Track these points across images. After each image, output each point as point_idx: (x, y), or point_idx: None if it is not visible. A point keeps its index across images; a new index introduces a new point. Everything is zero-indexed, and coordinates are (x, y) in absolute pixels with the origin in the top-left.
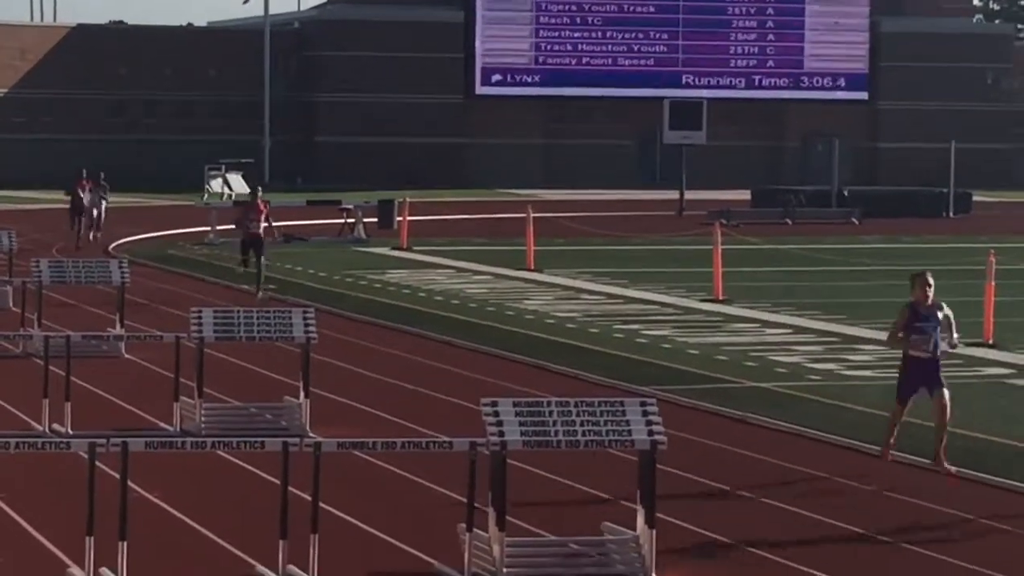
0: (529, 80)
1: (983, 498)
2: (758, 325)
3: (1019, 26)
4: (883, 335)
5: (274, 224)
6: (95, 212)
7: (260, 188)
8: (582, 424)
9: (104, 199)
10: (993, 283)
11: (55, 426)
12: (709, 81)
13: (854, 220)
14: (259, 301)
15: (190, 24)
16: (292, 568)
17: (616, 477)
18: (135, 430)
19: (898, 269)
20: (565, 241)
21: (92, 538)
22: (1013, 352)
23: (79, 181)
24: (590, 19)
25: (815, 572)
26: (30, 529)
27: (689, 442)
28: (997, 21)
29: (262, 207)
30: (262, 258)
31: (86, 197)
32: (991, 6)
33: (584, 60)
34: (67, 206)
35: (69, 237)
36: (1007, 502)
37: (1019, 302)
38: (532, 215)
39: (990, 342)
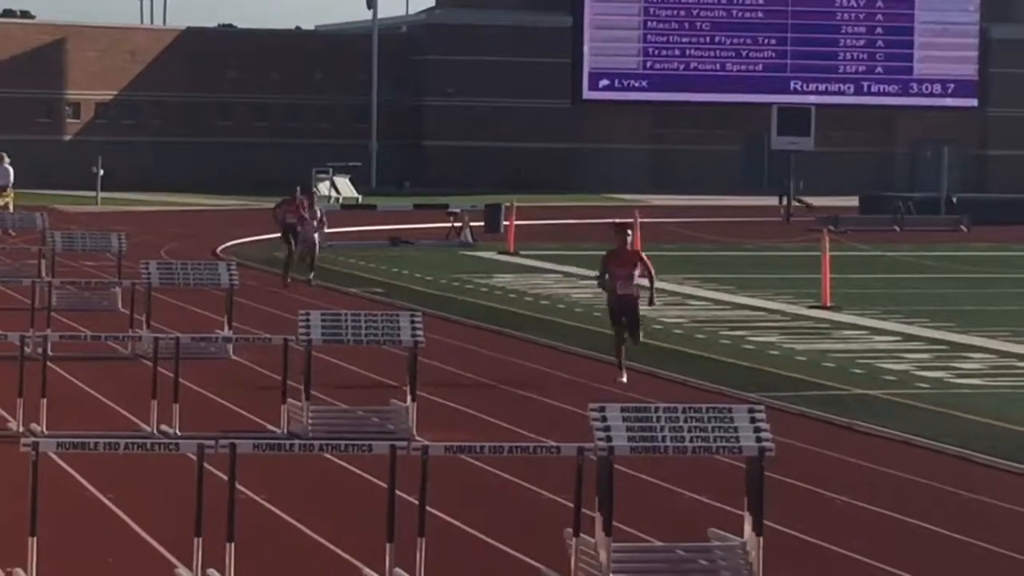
0: (636, 85)
1: None
2: (866, 332)
3: None
4: (994, 343)
5: (323, 222)
6: (314, 239)
7: (301, 188)
8: (690, 431)
9: (323, 223)
10: None
11: (163, 427)
12: (817, 87)
13: (963, 227)
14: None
15: (298, 28)
16: (399, 571)
17: (724, 484)
18: (243, 432)
19: (1007, 277)
20: (672, 246)
21: (200, 539)
22: None
23: (293, 202)
24: (698, 24)
25: None
26: (139, 530)
27: (796, 449)
28: None
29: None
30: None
31: (303, 221)
32: None
33: (692, 65)
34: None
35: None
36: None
37: None
38: (639, 220)
39: None
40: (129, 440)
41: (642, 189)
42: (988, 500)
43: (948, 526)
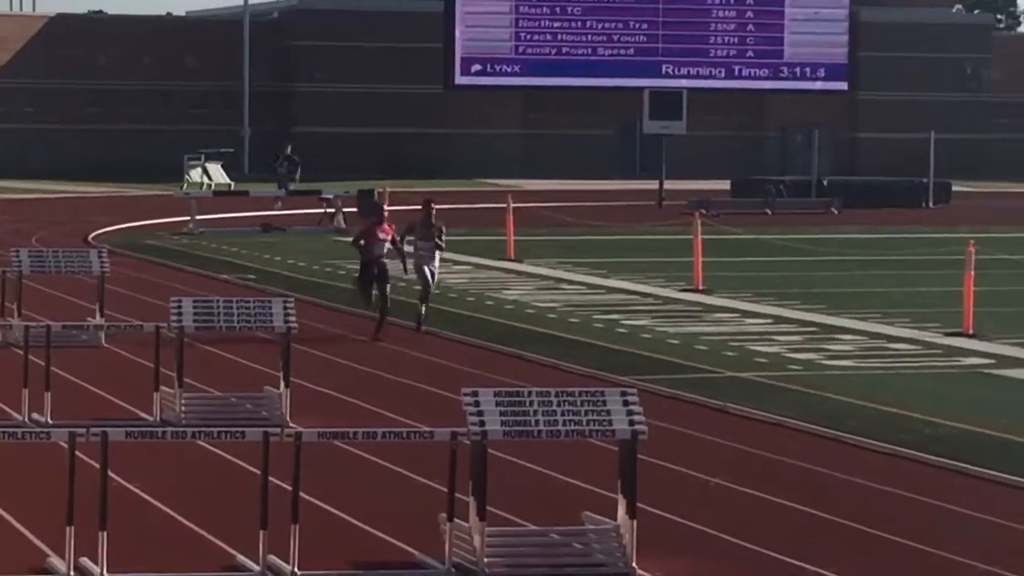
0: (508, 70)
1: (962, 489)
2: (738, 315)
3: (998, 16)
4: (864, 325)
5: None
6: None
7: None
8: (563, 414)
9: (440, 245)
10: (972, 273)
11: (35, 416)
12: (689, 71)
13: (834, 210)
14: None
15: (169, 14)
16: (273, 558)
17: (598, 467)
18: (115, 420)
19: (877, 259)
20: (545, 231)
21: (72, 528)
22: (993, 342)
23: (374, 224)
24: (570, 9)
25: (794, 561)
26: (10, 519)
27: (669, 432)
28: (976, 11)
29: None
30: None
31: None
32: None
33: (564, 50)
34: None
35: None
36: (980, 490)
37: (998, 292)
38: (512, 205)
39: (970, 332)
40: (0, 429)
41: (515, 174)
42: (859, 480)
43: (819, 506)
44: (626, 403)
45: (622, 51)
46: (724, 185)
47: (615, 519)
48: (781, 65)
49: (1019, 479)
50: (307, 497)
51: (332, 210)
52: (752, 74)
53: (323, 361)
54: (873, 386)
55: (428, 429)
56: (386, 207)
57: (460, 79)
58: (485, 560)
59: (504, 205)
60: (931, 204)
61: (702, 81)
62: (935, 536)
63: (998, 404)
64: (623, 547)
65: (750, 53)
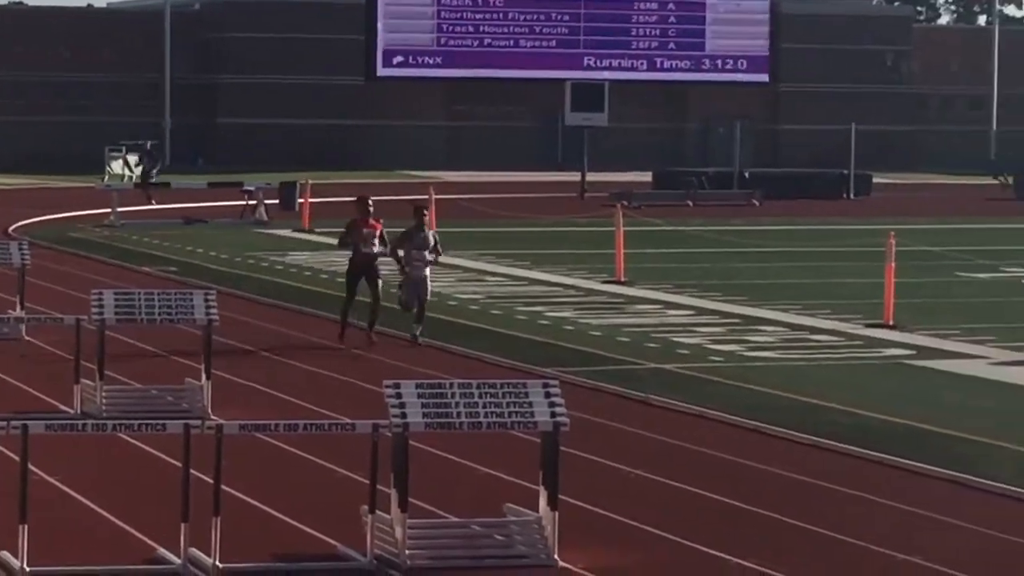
0: (431, 62)
1: (881, 479)
2: (660, 306)
3: (919, 8)
4: (786, 316)
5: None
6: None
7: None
8: (485, 406)
9: (438, 250)
10: (893, 264)
11: None
12: (611, 63)
13: (755, 201)
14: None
15: (90, 5)
16: (194, 551)
17: (520, 459)
18: (35, 413)
19: (798, 251)
20: (468, 223)
21: None
22: (913, 333)
23: (358, 221)
24: (492, 1)
25: (715, 552)
26: None
27: (591, 424)
28: (896, 3)
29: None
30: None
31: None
32: None
33: (486, 42)
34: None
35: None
36: (898, 480)
37: (919, 283)
38: (434, 197)
39: (891, 323)
40: None
41: (437, 165)
42: (779, 471)
43: (740, 497)
44: (548, 395)
45: (544, 43)
46: (646, 177)
47: (537, 510)
48: (703, 57)
49: (937, 469)
50: (229, 490)
51: (254, 202)
52: (674, 66)
53: (245, 353)
54: (794, 377)
55: (349, 421)
56: (308, 199)
57: (382, 71)
58: (407, 552)
59: (426, 197)
60: (852, 196)
61: (624, 73)
62: (854, 526)
63: (918, 395)
64: (545, 538)
65: (672, 45)
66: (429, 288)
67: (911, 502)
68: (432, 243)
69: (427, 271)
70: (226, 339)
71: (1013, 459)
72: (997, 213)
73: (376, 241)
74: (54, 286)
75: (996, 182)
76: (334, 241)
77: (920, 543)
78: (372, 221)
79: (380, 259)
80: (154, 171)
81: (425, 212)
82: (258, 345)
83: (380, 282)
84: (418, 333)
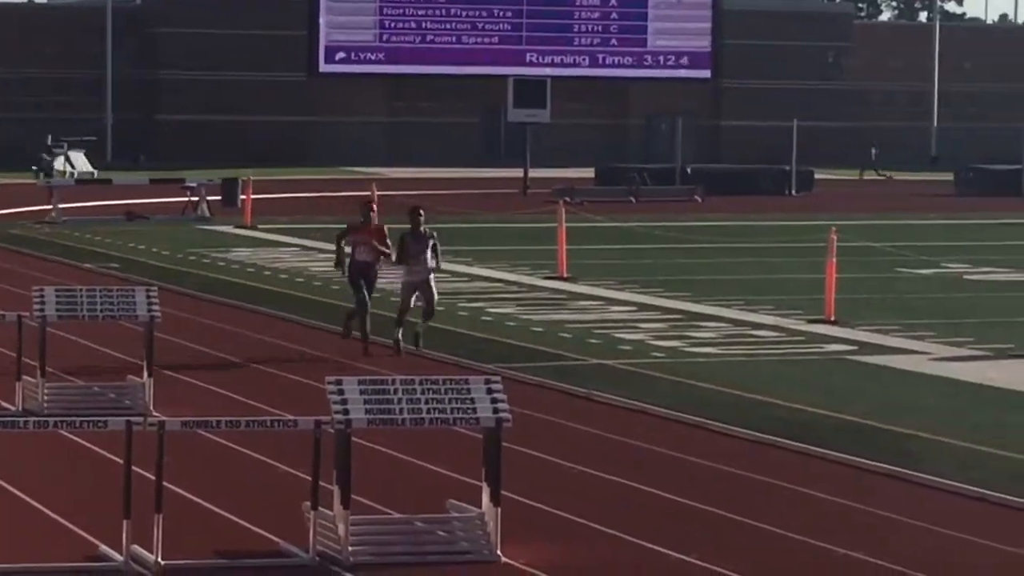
0: (373, 58)
1: (824, 474)
2: (602, 303)
3: (859, 5)
4: (728, 312)
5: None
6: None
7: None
8: (427, 402)
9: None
10: (834, 260)
11: None
12: (553, 59)
13: (697, 198)
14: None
15: (31, 1)
16: (136, 548)
17: (462, 455)
18: None
19: (741, 247)
20: (410, 219)
21: None
22: (854, 329)
23: (358, 229)
24: None
25: (659, 548)
26: None
27: (534, 420)
28: (838, 0)
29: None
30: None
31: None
32: None
33: (428, 38)
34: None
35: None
36: (841, 476)
37: (860, 279)
38: (376, 193)
39: (832, 319)
40: None
41: (379, 162)
42: (722, 466)
43: (682, 493)
44: (490, 391)
45: (486, 39)
46: (588, 173)
47: (480, 507)
48: (645, 53)
49: (880, 464)
50: (171, 487)
51: (196, 199)
52: (616, 62)
53: (187, 350)
54: (736, 373)
55: (292, 418)
56: (250, 196)
57: (324, 67)
58: (349, 548)
59: (369, 193)
60: (794, 192)
61: (566, 69)
62: (797, 521)
63: (859, 390)
64: (487, 534)
65: (614, 41)
66: (435, 291)
67: (854, 498)
68: (431, 243)
69: (430, 274)
70: (170, 336)
71: (955, 454)
72: (938, 209)
73: (372, 250)
74: None
75: (877, 176)
76: (276, 237)
77: (863, 539)
78: (373, 227)
79: (377, 266)
80: (52, 169)
81: (421, 213)
82: (200, 342)
83: (371, 290)
84: (420, 332)
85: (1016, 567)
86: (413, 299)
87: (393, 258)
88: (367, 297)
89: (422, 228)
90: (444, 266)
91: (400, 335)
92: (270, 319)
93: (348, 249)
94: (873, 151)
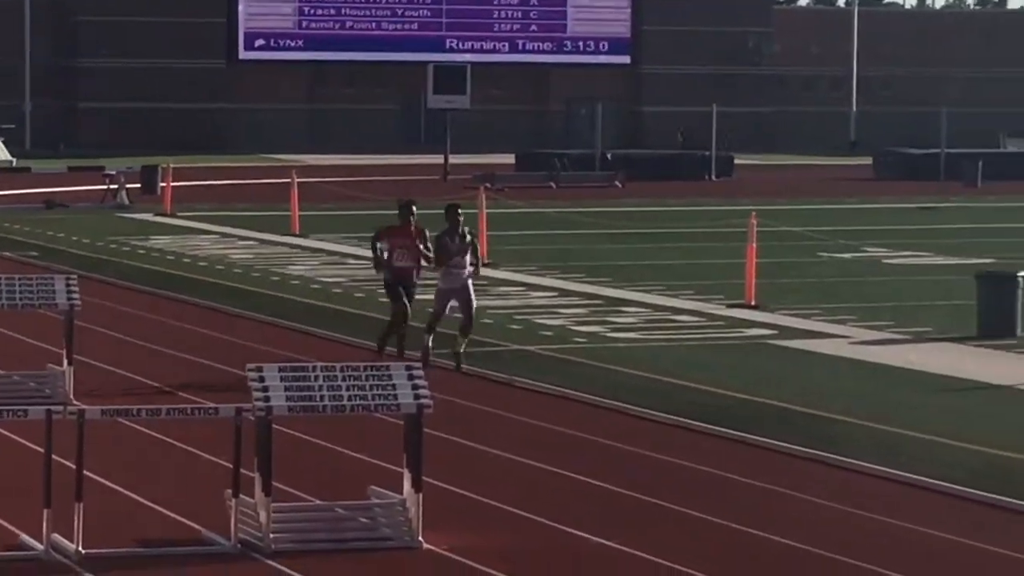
0: (292, 45)
1: (744, 458)
2: (523, 288)
3: None
4: (648, 297)
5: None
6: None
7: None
8: (348, 389)
9: (477, 254)
10: (755, 245)
11: None
12: (473, 45)
13: (618, 183)
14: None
15: None
16: (57, 537)
17: (384, 441)
18: None
19: (661, 232)
20: (330, 206)
21: None
22: (774, 313)
23: (396, 230)
24: None
25: (580, 533)
26: None
27: (455, 406)
28: None
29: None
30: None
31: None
32: None
33: (348, 24)
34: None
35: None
36: (761, 459)
37: (780, 264)
38: (297, 180)
39: (752, 304)
40: None
41: (300, 149)
42: (643, 451)
43: (603, 477)
44: (411, 377)
45: (406, 25)
46: (509, 159)
47: (401, 493)
48: (565, 39)
49: (800, 448)
50: (92, 476)
51: (115, 186)
52: (536, 48)
53: (108, 338)
54: (657, 358)
55: (213, 406)
56: (170, 183)
57: (244, 54)
58: (271, 536)
59: (289, 180)
60: (714, 177)
61: (486, 55)
62: (718, 506)
63: (780, 374)
64: (409, 521)
65: (534, 27)
66: (474, 298)
67: (774, 481)
68: (469, 246)
69: (468, 279)
70: (90, 324)
71: (876, 438)
72: (858, 193)
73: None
74: None
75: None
76: (196, 224)
77: (783, 522)
78: (413, 229)
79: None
80: None
81: (460, 212)
82: (120, 330)
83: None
84: (461, 349)
85: (938, 549)
86: (449, 308)
87: (433, 262)
88: (408, 307)
89: (461, 228)
90: (365, 253)
91: (431, 342)
92: (189, 307)
93: (384, 255)
94: (680, 136)
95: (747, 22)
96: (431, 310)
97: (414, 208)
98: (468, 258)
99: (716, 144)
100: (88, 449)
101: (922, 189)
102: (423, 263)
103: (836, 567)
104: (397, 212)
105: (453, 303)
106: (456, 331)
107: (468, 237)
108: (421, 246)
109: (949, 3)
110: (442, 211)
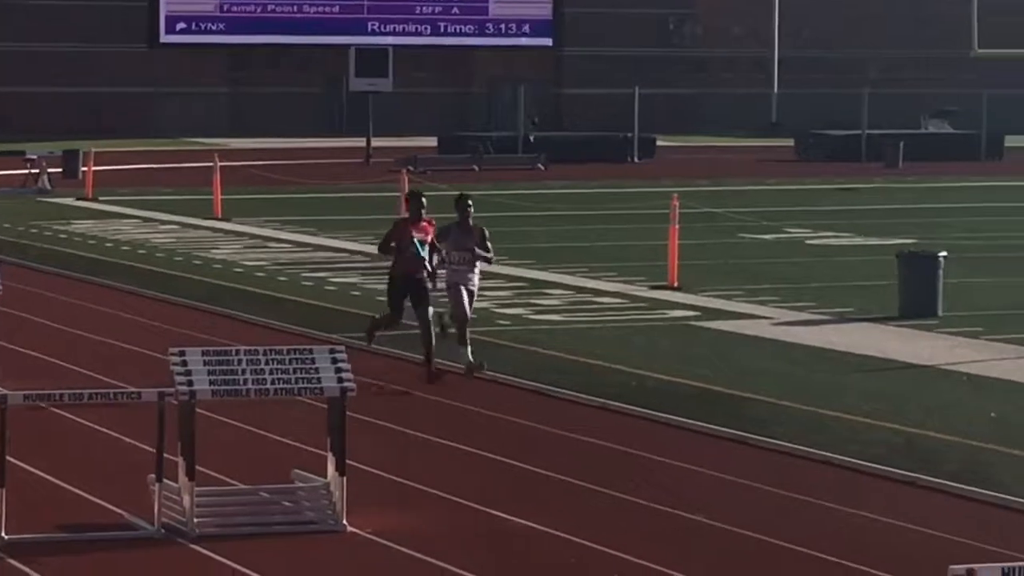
0: (214, 28)
1: (667, 439)
2: None
3: None
4: (572, 279)
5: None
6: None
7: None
8: (271, 372)
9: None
10: (677, 226)
11: None
12: (395, 28)
13: (540, 166)
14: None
15: None
16: None
17: (308, 425)
18: None
19: (584, 214)
20: (252, 189)
21: None
22: (697, 294)
23: (407, 223)
24: None
25: (502, 514)
26: None
27: (380, 389)
28: None
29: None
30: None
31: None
32: None
33: (269, 7)
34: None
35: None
36: (685, 440)
37: (702, 245)
38: (219, 164)
39: (675, 285)
40: None
41: (222, 132)
42: (567, 433)
43: (529, 460)
44: (335, 360)
45: (328, 8)
46: (431, 142)
47: (325, 476)
48: (487, 21)
49: (724, 429)
50: (15, 461)
51: (36, 171)
52: (458, 30)
53: (29, 323)
54: (581, 340)
55: (136, 390)
56: (91, 167)
57: (165, 37)
58: (195, 520)
59: (211, 164)
60: (636, 159)
61: (408, 38)
62: (644, 487)
63: (703, 356)
64: (333, 504)
65: (455, 10)
66: (474, 297)
67: (698, 462)
68: (481, 239)
69: (475, 278)
70: (10, 309)
71: (798, 418)
72: (780, 175)
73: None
74: None
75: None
76: (118, 209)
77: (710, 503)
78: (424, 224)
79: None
80: None
81: (470, 202)
82: (42, 315)
83: (431, 308)
84: (471, 358)
85: (859, 528)
86: (466, 300)
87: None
88: (401, 317)
89: (471, 220)
90: (289, 236)
91: (471, 355)
92: (112, 291)
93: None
94: (533, 120)
95: (669, 4)
96: (446, 313)
97: (423, 200)
98: (477, 252)
99: (638, 125)
100: (10, 434)
101: (844, 170)
102: (435, 259)
103: (757, 545)
104: (406, 204)
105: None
106: (455, 342)
107: (483, 234)
108: (435, 242)
109: None
110: (364, 195)
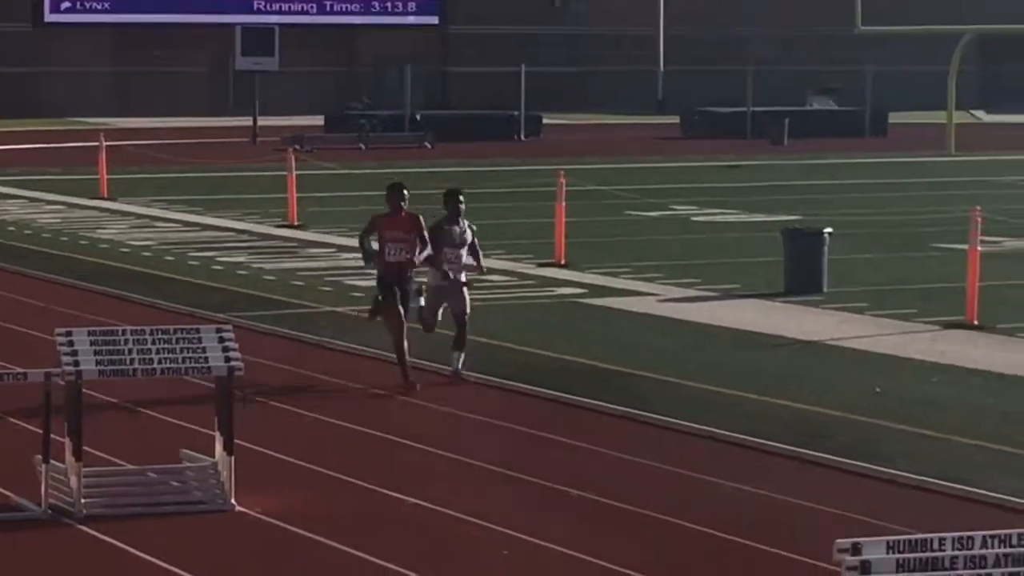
0: (99, 7)
1: (557, 417)
2: (333, 250)
3: None
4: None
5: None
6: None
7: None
8: (158, 352)
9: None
10: (563, 204)
11: None
12: (281, 7)
13: (427, 144)
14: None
15: None
16: None
17: (195, 404)
18: None
19: (470, 192)
20: (139, 169)
21: None
22: (584, 272)
23: (386, 217)
24: None
25: (392, 493)
26: None
27: (268, 368)
28: None
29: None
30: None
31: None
32: None
33: None
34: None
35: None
36: (574, 418)
37: (588, 222)
38: (105, 143)
39: (562, 262)
40: None
41: (107, 112)
42: (455, 411)
43: (418, 439)
44: (222, 339)
45: None
46: (318, 121)
47: (214, 456)
48: (372, 0)
49: (611, 406)
50: None
51: None
52: (344, 9)
53: None
54: (470, 318)
55: (21, 370)
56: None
57: (50, 16)
58: (82, 501)
59: (97, 144)
60: (522, 137)
61: (294, 17)
62: (529, 464)
63: (590, 333)
64: (221, 483)
65: None
66: (468, 301)
67: (586, 440)
68: (470, 239)
69: (463, 277)
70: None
71: (684, 395)
72: (665, 152)
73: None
74: None
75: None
76: (2, 189)
77: (596, 480)
78: (405, 216)
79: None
80: None
81: (461, 198)
82: None
83: (419, 299)
84: (459, 366)
85: (745, 503)
86: (441, 311)
87: (428, 252)
88: (402, 313)
89: (462, 218)
90: (176, 216)
91: (459, 362)
92: (4, 274)
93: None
94: (363, 99)
95: None
96: (424, 315)
97: (405, 192)
98: (465, 252)
99: (524, 104)
100: None
101: (729, 147)
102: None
103: (642, 520)
104: (386, 197)
105: (444, 306)
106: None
107: (469, 231)
108: (417, 237)
109: None
110: (251, 174)
